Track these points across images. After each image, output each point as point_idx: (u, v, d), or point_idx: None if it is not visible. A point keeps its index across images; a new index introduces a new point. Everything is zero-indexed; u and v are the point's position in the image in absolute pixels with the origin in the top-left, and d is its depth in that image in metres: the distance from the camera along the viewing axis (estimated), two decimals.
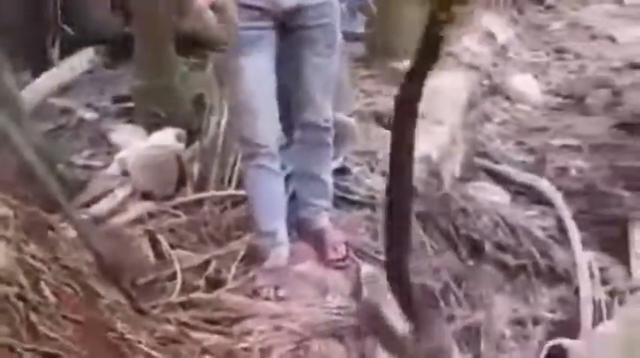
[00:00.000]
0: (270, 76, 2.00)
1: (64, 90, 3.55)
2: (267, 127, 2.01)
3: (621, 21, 5.59)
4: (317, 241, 2.11)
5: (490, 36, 4.86)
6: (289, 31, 2.00)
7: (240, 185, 2.49)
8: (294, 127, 2.13)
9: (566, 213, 2.74)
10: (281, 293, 1.94)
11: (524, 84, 4.30)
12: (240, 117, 2.04)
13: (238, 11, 1.91)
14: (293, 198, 2.20)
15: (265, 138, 2.00)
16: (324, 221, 2.13)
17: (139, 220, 2.32)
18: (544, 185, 2.91)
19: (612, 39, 5.15)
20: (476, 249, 2.48)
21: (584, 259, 2.50)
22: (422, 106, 3.39)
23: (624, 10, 5.78)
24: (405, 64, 3.77)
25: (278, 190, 2.07)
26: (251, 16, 1.93)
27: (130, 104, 3.19)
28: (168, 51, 3.11)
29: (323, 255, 2.07)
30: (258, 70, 1.97)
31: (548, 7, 5.96)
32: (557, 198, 2.84)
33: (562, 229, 2.69)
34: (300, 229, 2.17)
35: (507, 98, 4.10)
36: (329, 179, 2.18)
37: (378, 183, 2.58)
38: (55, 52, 3.72)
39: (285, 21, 1.98)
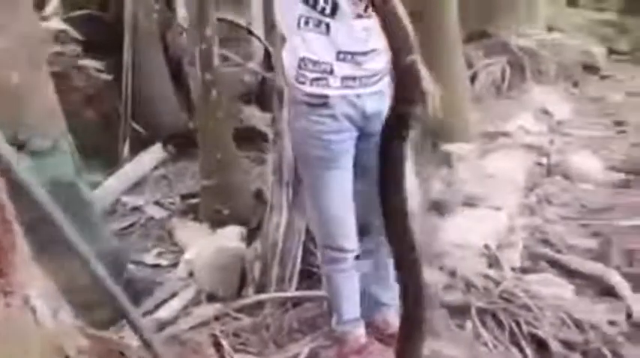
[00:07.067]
0: (351, 185, 2.04)
1: (134, 186, 3.77)
2: (353, 234, 2.09)
3: None
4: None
5: (545, 112, 4.82)
6: (366, 137, 2.01)
7: (300, 285, 2.53)
8: (374, 233, 2.14)
9: (638, 306, 2.60)
10: None
11: (585, 161, 4.18)
12: (326, 226, 2.08)
13: (327, 124, 1.95)
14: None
15: (352, 244, 2.09)
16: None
17: (203, 323, 2.37)
18: (612, 275, 2.79)
19: None
20: (541, 348, 2.38)
21: None
22: (477, 192, 3.42)
23: None
24: (456, 147, 3.82)
25: (357, 284, 2.20)
26: (340, 128, 1.96)
27: (196, 200, 3.35)
28: (230, 150, 3.27)
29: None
30: (344, 182, 2.02)
31: (604, 77, 5.88)
32: (626, 288, 2.70)
33: (634, 324, 2.54)
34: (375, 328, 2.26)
35: (567, 177, 3.99)
36: None
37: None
38: (125, 150, 3.99)
39: (364, 127, 2.01)
